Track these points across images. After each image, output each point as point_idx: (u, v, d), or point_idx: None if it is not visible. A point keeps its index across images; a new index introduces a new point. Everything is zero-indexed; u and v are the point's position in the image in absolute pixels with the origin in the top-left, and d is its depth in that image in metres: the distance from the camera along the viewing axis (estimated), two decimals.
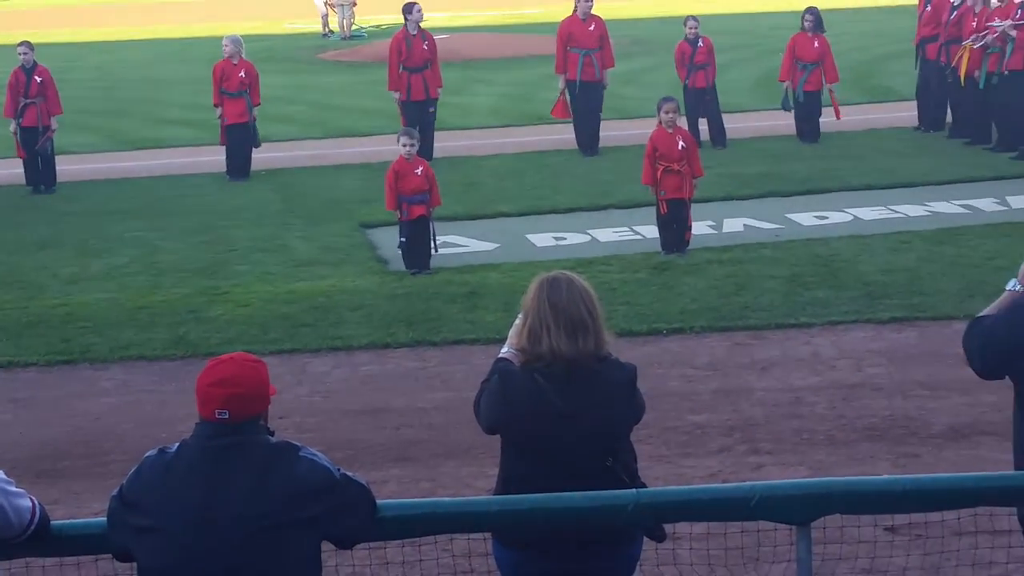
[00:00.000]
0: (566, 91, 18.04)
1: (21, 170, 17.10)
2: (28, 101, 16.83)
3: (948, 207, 14.48)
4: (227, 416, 4.15)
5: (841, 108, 18.53)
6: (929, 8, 18.63)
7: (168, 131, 21.17)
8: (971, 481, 4.98)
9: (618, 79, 24.44)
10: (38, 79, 16.94)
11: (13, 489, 4.21)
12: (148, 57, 31.60)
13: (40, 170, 16.96)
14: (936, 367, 9.59)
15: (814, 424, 8.74)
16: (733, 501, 4.69)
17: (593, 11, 18.21)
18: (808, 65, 18.14)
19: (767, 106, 20.15)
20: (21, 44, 17.20)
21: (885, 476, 6.43)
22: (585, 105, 18.05)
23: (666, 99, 13.22)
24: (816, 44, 18.21)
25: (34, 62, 16.99)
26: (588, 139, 18.19)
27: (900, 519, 6.41)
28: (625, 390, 5.00)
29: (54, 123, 17.01)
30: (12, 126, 16.95)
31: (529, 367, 4.93)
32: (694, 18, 18.59)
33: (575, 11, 18.14)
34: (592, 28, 18.04)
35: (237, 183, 17.06)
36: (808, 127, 18.37)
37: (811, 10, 18.42)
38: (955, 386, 8.98)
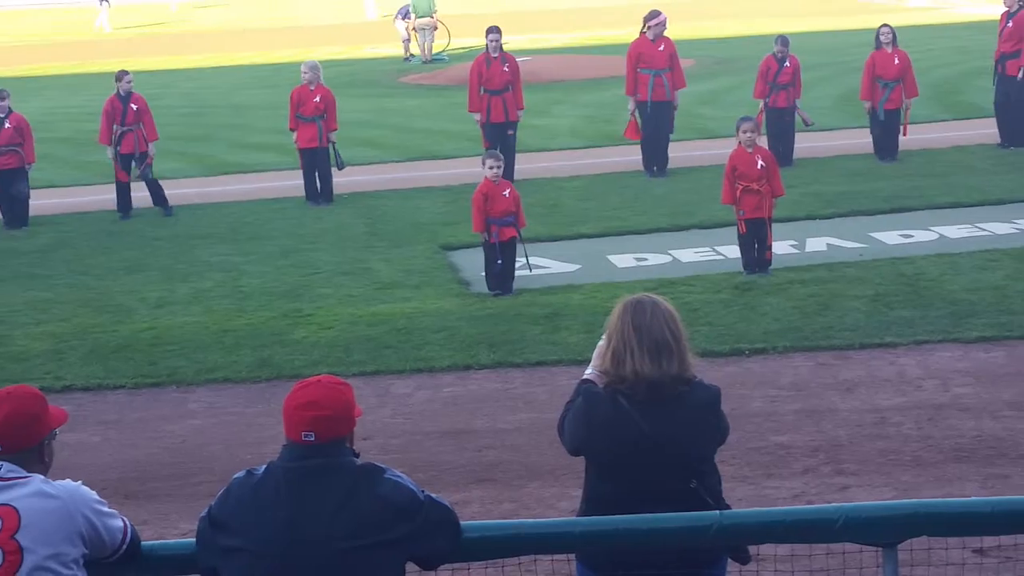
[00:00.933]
0: (636, 112, 18.03)
1: (112, 196, 17.37)
2: (125, 128, 17.15)
3: None
4: (313, 438, 4.20)
5: (926, 125, 18.27)
6: (1011, 24, 18.41)
7: (254, 156, 21.45)
8: None
9: (699, 99, 24.44)
10: (134, 107, 17.24)
11: (106, 510, 4.29)
12: (235, 83, 32.04)
13: (152, 196, 17.25)
14: None
15: (900, 445, 8.64)
16: (818, 523, 4.65)
17: (665, 32, 18.19)
18: (890, 83, 17.94)
19: (849, 124, 20.01)
20: (123, 73, 17.53)
21: (973, 497, 6.36)
22: (656, 126, 18.02)
23: (745, 119, 13.19)
24: (896, 60, 17.99)
25: (130, 90, 17.32)
26: (657, 160, 18.15)
27: (989, 541, 6.30)
28: (709, 412, 4.99)
29: (151, 149, 17.33)
30: (109, 152, 17.29)
31: (613, 389, 4.94)
32: (784, 39, 18.36)
33: (642, 32, 18.13)
34: (662, 49, 18.00)
35: (319, 207, 17.24)
36: (887, 145, 18.18)
37: (887, 25, 18.26)
38: None
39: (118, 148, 17.13)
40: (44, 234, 16.52)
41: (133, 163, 17.18)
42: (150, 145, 17.29)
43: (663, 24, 18.06)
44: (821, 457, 8.51)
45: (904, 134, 17.98)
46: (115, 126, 17.13)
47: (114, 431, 9.87)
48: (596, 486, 5.05)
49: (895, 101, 17.95)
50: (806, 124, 17.99)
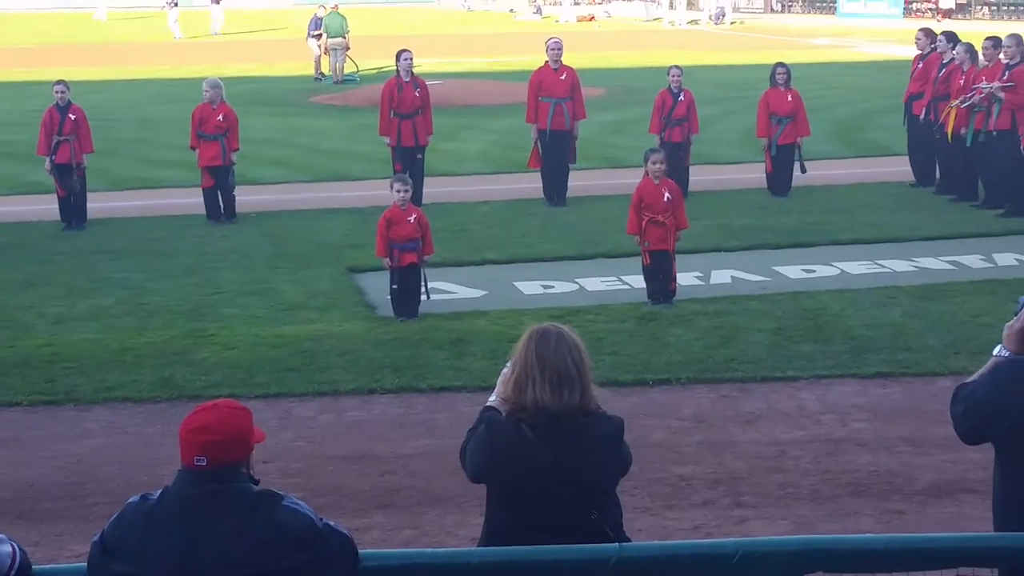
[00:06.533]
0: (538, 141, 18.14)
1: (8, 208, 17.07)
2: (62, 139, 16.94)
3: (935, 263, 14.54)
4: (205, 463, 4.15)
5: (828, 162, 18.51)
6: (921, 65, 18.79)
7: (160, 172, 21.21)
8: (953, 541, 5.00)
9: (608, 128, 24.64)
10: (72, 117, 17.04)
11: None
12: (142, 97, 31.70)
13: (72, 207, 17.07)
14: (921, 423, 9.61)
15: (798, 478, 8.73)
16: (716, 557, 4.67)
17: (566, 62, 18.32)
18: (783, 119, 18.27)
19: (753, 159, 20.27)
20: (58, 83, 17.31)
21: (868, 534, 6.43)
22: (555, 155, 18.11)
23: (653, 150, 13.28)
24: (789, 98, 18.33)
25: (68, 101, 17.08)
26: (556, 189, 18.24)
27: None
28: (612, 443, 5.00)
29: (85, 161, 17.14)
30: (47, 164, 17.05)
31: (515, 417, 4.94)
32: (678, 67, 18.55)
33: (548, 61, 18.26)
34: (563, 78, 18.15)
35: (222, 225, 17.10)
36: (781, 180, 18.44)
37: (783, 64, 18.59)
38: (939, 443, 8.99)
39: (53, 158, 16.92)
40: None
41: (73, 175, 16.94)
42: (84, 157, 17.10)
43: (556, 49, 18.16)
44: (721, 489, 8.58)
45: (802, 171, 18.26)
46: (53, 136, 16.90)
47: (8, 449, 9.66)
48: (497, 514, 5.04)
49: (788, 136, 18.27)
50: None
